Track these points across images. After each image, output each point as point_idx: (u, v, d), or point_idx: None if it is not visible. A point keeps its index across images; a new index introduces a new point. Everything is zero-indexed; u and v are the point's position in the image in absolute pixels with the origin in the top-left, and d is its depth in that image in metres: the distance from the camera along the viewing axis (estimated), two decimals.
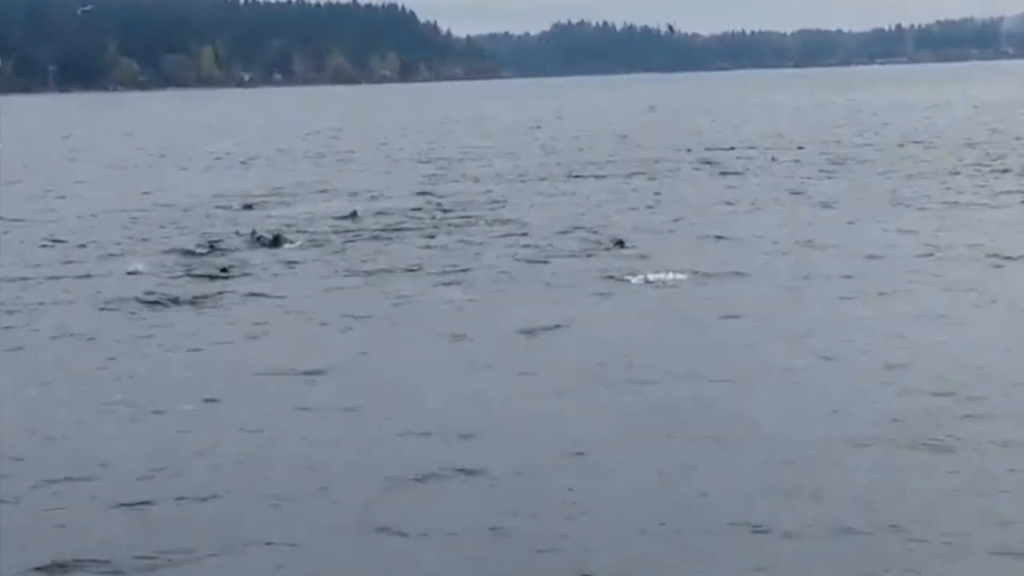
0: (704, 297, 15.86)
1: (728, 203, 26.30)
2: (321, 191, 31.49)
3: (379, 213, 25.66)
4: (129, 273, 18.44)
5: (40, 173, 41.07)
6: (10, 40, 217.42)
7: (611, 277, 17.10)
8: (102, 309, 15.92)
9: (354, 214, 25.04)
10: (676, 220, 23.60)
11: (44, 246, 22.27)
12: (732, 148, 42.61)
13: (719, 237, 20.89)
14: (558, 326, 14.27)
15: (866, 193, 27.32)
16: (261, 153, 48.62)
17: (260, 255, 20.07)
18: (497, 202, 27.64)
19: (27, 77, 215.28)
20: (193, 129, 73.31)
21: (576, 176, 33.90)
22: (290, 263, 19.30)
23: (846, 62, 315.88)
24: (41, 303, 16.40)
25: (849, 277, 16.78)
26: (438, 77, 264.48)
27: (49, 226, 25.24)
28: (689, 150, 42.27)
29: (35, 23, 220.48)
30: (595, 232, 21.65)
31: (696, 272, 17.28)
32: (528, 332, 13.93)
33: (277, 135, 62.78)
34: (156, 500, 8.80)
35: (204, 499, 8.82)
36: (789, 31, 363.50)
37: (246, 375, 12.41)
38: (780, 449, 9.62)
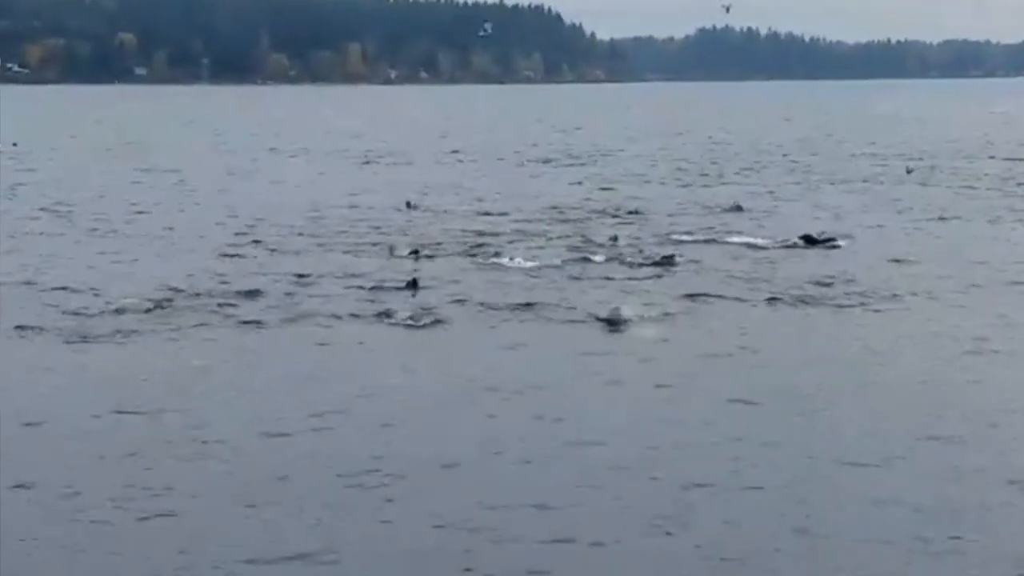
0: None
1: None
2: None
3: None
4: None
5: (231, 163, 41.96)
6: (165, 32, 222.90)
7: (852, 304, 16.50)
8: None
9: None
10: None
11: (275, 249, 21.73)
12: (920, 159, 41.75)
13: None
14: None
15: None
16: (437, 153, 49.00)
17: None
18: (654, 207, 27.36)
19: (180, 69, 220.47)
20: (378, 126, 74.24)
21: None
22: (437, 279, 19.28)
23: (991, 73, 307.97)
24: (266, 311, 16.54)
25: None
26: (581, 79, 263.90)
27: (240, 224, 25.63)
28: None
29: (189, 16, 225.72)
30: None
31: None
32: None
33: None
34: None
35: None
36: (935, 41, 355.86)
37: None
38: None
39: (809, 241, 20.87)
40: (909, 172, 36.14)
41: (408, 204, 26.19)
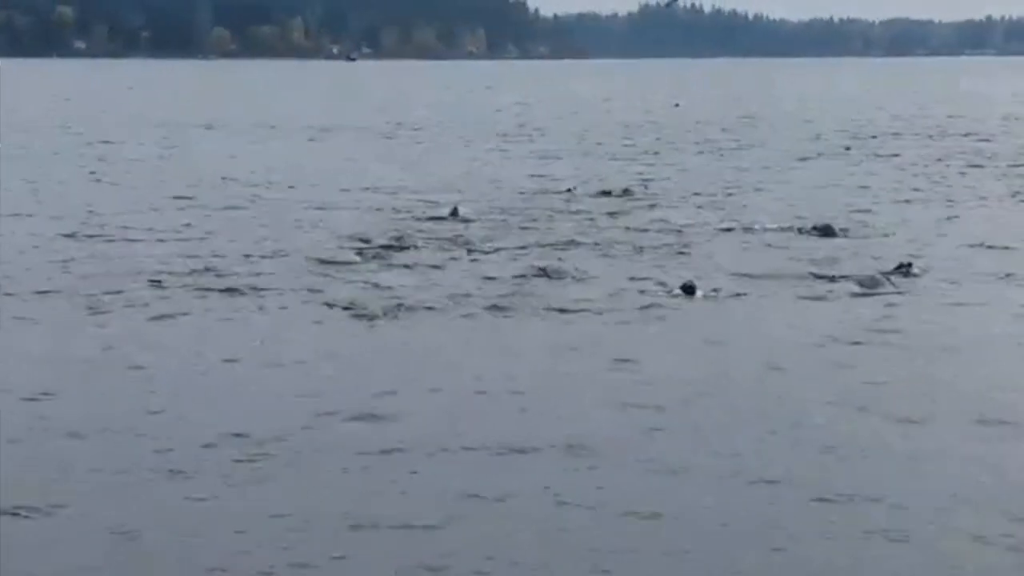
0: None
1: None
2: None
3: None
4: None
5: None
6: (104, 5, 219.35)
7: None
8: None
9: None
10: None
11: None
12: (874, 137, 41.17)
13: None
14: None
15: None
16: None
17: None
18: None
19: (120, 43, 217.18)
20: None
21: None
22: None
23: (935, 52, 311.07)
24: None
25: None
26: (525, 55, 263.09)
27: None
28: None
29: None
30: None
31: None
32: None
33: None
34: None
35: None
36: (878, 20, 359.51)
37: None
38: None
39: (825, 232, 19.59)
40: (848, 150, 35.93)
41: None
